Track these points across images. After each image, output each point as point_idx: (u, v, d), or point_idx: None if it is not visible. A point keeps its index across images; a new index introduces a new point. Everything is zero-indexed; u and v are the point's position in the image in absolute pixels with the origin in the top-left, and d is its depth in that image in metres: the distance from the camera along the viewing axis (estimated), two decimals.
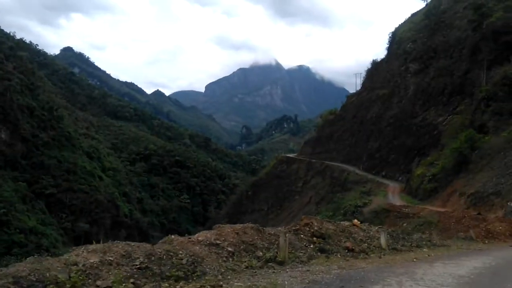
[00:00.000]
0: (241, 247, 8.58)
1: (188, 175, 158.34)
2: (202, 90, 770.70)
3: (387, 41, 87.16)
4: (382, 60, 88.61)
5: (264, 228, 9.81)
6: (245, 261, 8.03)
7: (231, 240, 8.59)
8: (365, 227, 14.37)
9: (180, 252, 7.17)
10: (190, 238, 8.14)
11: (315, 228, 10.85)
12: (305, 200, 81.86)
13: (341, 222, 13.86)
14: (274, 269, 8.09)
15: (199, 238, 8.12)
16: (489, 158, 35.93)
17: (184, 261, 6.87)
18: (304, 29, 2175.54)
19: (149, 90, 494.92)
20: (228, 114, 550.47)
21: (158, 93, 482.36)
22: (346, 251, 10.70)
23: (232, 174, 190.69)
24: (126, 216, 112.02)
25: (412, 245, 13.94)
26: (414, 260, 10.88)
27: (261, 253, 8.51)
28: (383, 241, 12.36)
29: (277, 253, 8.56)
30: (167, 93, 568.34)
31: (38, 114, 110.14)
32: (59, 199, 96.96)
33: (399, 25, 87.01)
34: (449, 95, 56.20)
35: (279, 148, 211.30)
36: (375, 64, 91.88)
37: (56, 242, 79.98)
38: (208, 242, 8.05)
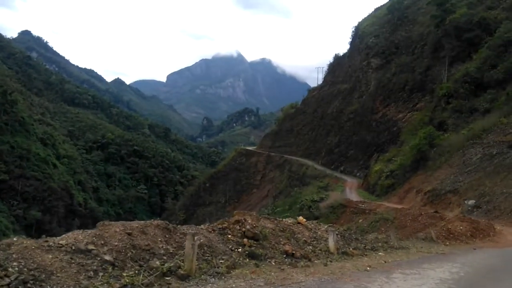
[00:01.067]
0: (128, 254, 5.98)
1: (146, 165, 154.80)
2: (164, 79, 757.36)
3: (350, 35, 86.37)
4: (345, 54, 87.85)
5: (176, 227, 7.40)
6: (127, 276, 5.50)
7: (116, 244, 5.99)
8: (312, 225, 12.36)
9: (15, 264, 4.75)
10: (46, 240, 5.63)
11: (248, 226, 8.59)
12: (263, 193, 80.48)
13: (284, 219, 11.85)
14: (170, 287, 5.82)
15: (60, 242, 5.58)
16: (447, 156, 35.08)
17: (11, 279, 4.37)
18: (266, 21, 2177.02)
19: (109, 78, 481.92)
20: (190, 105, 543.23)
21: (118, 81, 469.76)
22: (284, 256, 8.45)
23: (192, 165, 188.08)
24: (80, 205, 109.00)
25: (366, 247, 12.03)
26: (368, 269, 8.80)
27: (158, 262, 6.09)
28: (331, 243, 10.15)
29: (182, 262, 6.27)
30: (127, 81, 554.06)
31: None
32: (11, 185, 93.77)
33: (362, 19, 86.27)
34: (409, 91, 55.64)
35: (240, 141, 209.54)
36: (338, 59, 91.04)
37: (6, 229, 76.51)
38: (73, 248, 5.53)
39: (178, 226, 7.80)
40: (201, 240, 7.18)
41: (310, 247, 10.07)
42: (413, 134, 44.47)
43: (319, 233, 11.72)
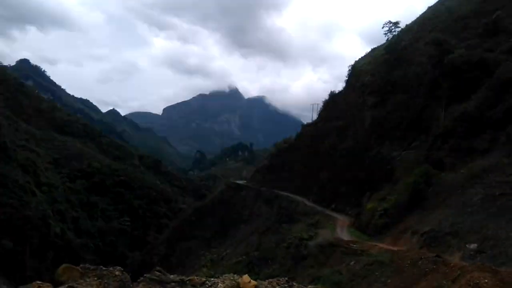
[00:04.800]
0: None
1: (132, 197, 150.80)
2: (160, 112, 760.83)
3: (346, 73, 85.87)
4: (340, 92, 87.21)
5: None
6: None
7: None
8: None
9: None
10: None
11: None
12: (250, 229, 77.72)
13: (210, 281, 7.74)
14: None
15: None
16: (445, 195, 33.18)
17: None
18: (260, 60, 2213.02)
19: (104, 109, 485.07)
20: (184, 139, 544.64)
21: (113, 112, 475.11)
22: None
23: (180, 198, 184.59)
24: (57, 236, 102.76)
25: None
26: None
27: None
28: None
29: None
30: (122, 113, 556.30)
31: None
32: None
33: (359, 58, 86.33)
34: (405, 129, 54.36)
35: (232, 175, 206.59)
36: (333, 96, 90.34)
37: None
38: None
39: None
40: None
41: None
42: (408, 172, 42.69)
43: None
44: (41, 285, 5.06)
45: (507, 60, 40.71)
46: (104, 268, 6.33)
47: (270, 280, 8.94)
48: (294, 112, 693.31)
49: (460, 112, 41.11)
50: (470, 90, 43.08)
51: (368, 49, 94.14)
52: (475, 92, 41.61)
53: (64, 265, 6.08)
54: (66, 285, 5.43)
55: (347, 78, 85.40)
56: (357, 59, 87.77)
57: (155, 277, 6.70)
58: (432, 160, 40.86)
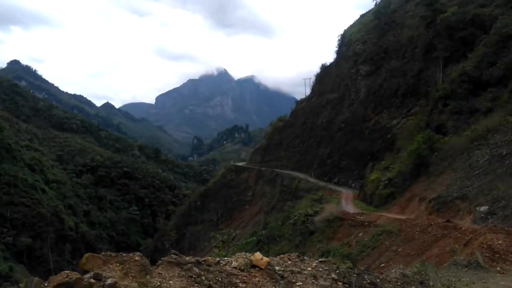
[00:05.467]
0: None
1: (137, 186, 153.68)
2: (153, 102, 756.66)
3: (336, 44, 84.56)
4: (332, 63, 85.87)
5: None
6: None
7: None
8: (281, 267, 7.87)
9: None
10: None
11: None
12: (255, 209, 77.51)
13: (225, 259, 7.77)
14: None
15: None
16: (450, 160, 32.46)
17: None
18: (246, 39, 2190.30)
19: (98, 103, 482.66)
20: (179, 126, 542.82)
21: (108, 105, 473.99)
22: None
23: (183, 184, 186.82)
24: (71, 229, 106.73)
25: None
26: None
27: None
28: None
29: None
30: (116, 105, 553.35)
31: None
32: (0, 213, 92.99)
33: (348, 26, 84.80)
34: (402, 96, 53.39)
35: (230, 158, 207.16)
36: (325, 69, 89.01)
37: None
38: None
39: None
40: None
41: None
42: (409, 140, 41.94)
43: (297, 285, 7.32)
44: (69, 274, 5.29)
45: (503, 14, 39.52)
46: (124, 255, 6.60)
47: (282, 255, 9.13)
48: (286, 89, 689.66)
49: (458, 72, 40.07)
50: (467, 49, 42.04)
51: (357, 16, 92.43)
52: (472, 50, 40.56)
53: (87, 254, 6.34)
54: (92, 273, 5.65)
55: (337, 49, 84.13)
56: (346, 27, 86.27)
57: (172, 260, 7.00)
58: (434, 125, 40.01)
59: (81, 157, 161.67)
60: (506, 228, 15.81)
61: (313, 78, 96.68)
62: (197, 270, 6.86)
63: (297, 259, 8.85)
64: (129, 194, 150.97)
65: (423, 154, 35.65)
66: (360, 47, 68.25)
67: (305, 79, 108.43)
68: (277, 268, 7.86)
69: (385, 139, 53.04)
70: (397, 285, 8.97)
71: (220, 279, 6.84)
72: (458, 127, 35.88)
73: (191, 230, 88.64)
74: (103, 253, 6.48)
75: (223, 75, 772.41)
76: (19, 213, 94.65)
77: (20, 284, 5.46)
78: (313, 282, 7.52)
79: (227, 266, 7.47)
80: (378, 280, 8.82)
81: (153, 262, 7.05)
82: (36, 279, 5.27)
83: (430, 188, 31.62)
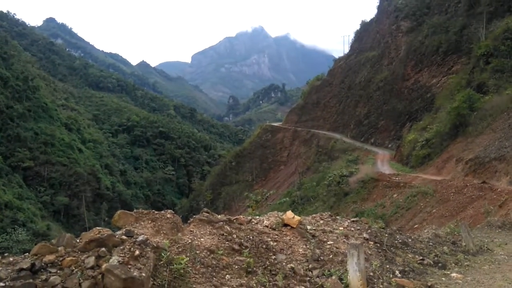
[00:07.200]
0: None
1: (172, 146, 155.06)
2: (189, 60, 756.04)
3: None
4: (372, 20, 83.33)
5: None
6: None
7: None
8: (313, 226, 8.02)
9: None
10: None
11: (119, 257, 4.88)
12: (290, 169, 78.31)
13: (255, 218, 7.95)
14: None
15: None
16: (490, 120, 31.66)
17: None
18: None
19: (134, 62, 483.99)
20: (215, 85, 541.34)
21: (143, 64, 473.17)
22: None
23: (219, 145, 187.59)
24: (108, 188, 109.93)
25: (425, 262, 7.60)
26: None
27: None
28: (353, 275, 5.92)
29: None
30: (153, 64, 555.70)
31: (12, 84, 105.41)
32: (37, 172, 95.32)
33: None
34: (444, 54, 51.63)
35: (266, 118, 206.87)
36: (365, 25, 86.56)
37: (34, 216, 77.78)
38: None
39: None
40: None
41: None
42: (449, 99, 40.95)
43: (328, 244, 7.36)
44: (101, 230, 5.40)
45: None
46: (156, 212, 6.71)
47: (314, 215, 9.22)
48: (326, 45, 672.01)
49: (502, 29, 38.26)
50: None
51: None
52: None
53: (119, 211, 6.46)
54: (124, 229, 5.78)
55: (378, 4, 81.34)
56: None
57: (204, 218, 7.08)
58: (475, 83, 38.76)
59: (117, 116, 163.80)
60: None
61: (352, 35, 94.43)
62: (228, 228, 6.97)
63: (329, 219, 8.99)
64: (164, 154, 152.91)
65: (462, 113, 34.81)
66: (402, 1, 65.88)
67: (343, 36, 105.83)
68: (308, 227, 7.97)
69: (424, 98, 51.92)
70: (429, 245, 9.11)
71: (251, 237, 6.95)
72: (500, 86, 34.64)
73: (226, 190, 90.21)
74: (135, 210, 6.59)
75: (259, 32, 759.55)
76: (56, 172, 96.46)
77: (53, 240, 5.34)
78: (344, 241, 7.62)
79: (258, 225, 7.62)
80: (409, 240, 9.03)
81: (188, 220, 7.31)
82: (68, 235, 5.28)
83: (468, 149, 31.16)
